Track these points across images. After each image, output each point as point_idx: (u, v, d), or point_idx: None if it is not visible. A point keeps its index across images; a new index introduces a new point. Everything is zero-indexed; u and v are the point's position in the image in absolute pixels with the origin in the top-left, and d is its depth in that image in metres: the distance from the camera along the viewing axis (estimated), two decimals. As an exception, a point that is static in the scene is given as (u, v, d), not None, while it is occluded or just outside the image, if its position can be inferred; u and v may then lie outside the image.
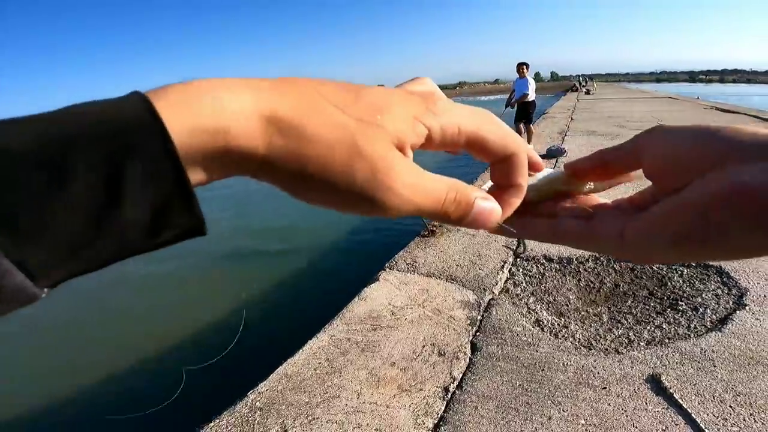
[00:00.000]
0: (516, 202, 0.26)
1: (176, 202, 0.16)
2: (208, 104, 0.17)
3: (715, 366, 1.76)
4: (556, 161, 5.78)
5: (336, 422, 1.63)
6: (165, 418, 2.47)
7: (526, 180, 0.26)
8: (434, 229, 3.68)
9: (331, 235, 5.86)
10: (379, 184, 0.20)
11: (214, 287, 4.49)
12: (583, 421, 1.54)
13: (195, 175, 0.17)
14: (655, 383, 1.65)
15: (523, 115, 6.44)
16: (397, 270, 3.08)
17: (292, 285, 4.37)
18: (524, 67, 6.32)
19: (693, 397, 1.58)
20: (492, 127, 0.24)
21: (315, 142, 0.19)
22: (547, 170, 0.30)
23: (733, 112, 11.17)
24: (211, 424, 1.63)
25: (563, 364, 1.85)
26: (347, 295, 2.66)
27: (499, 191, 0.26)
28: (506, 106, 6.87)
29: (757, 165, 0.19)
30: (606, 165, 0.27)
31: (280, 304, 4.03)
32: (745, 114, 10.57)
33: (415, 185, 0.21)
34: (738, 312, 2.13)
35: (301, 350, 2.10)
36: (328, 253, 5.33)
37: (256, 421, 1.64)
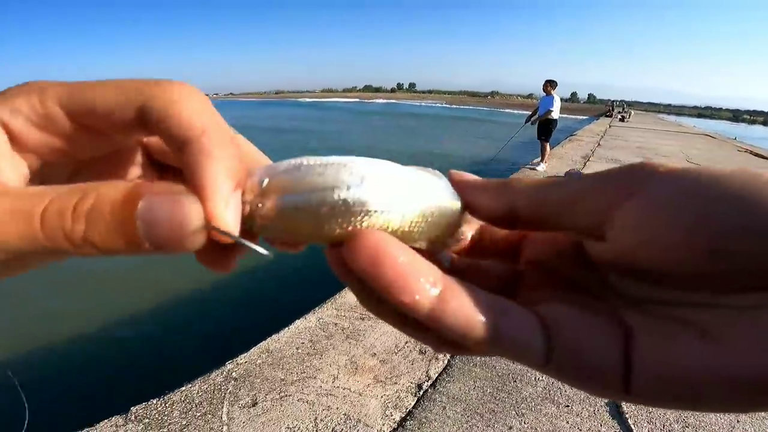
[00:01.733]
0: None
1: None
2: None
3: None
4: None
5: (307, 402, 1.71)
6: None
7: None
8: None
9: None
10: None
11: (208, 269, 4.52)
12: (540, 435, 1.60)
13: None
14: (615, 407, 1.70)
15: (546, 131, 6.42)
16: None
17: (288, 268, 4.43)
18: (550, 84, 6.30)
19: (645, 425, 1.62)
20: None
21: None
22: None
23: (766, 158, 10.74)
24: (183, 388, 1.69)
25: (535, 378, 1.90)
26: (341, 283, 2.73)
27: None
28: (526, 122, 6.92)
29: None
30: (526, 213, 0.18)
31: (274, 286, 4.11)
32: (782, 163, 10.13)
33: None
34: None
35: (287, 328, 2.19)
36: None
37: (228, 390, 1.71)
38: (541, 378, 1.91)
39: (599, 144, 10.70)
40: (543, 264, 0.20)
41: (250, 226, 0.16)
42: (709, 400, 0.13)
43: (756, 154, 11.17)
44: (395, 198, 0.16)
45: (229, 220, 0.14)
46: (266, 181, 0.15)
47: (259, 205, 0.15)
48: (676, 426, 1.62)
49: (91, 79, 0.17)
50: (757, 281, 0.13)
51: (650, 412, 1.68)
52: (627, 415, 1.66)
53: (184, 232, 0.13)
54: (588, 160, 8.00)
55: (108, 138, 0.17)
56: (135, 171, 0.21)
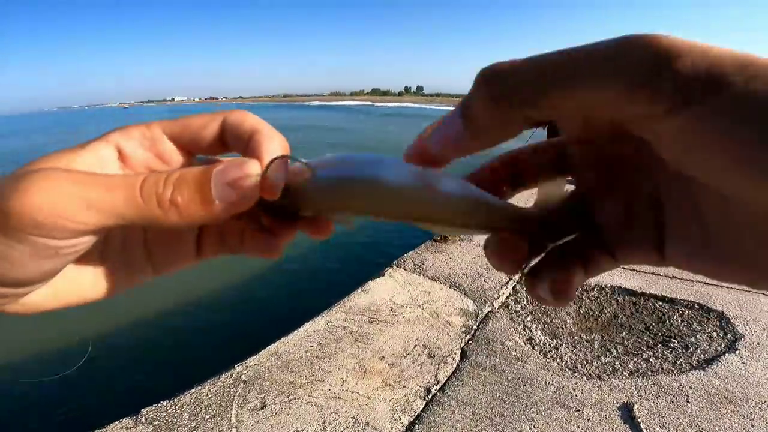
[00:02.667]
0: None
1: None
2: None
3: (688, 401, 1.76)
4: None
5: (315, 405, 1.71)
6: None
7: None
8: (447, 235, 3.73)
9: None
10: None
11: (220, 272, 4.53)
12: (551, 440, 1.58)
13: None
14: (627, 411, 1.66)
15: (555, 134, 6.45)
16: (404, 269, 3.14)
17: (298, 273, 4.45)
18: None
19: (658, 429, 1.58)
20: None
21: None
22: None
23: None
24: (192, 390, 1.70)
25: (545, 382, 1.88)
26: (351, 287, 2.74)
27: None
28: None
29: None
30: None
31: (283, 289, 4.14)
32: None
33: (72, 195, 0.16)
34: (727, 354, 2.11)
35: (296, 331, 2.19)
36: (341, 245, 5.40)
37: (237, 393, 1.72)
38: (551, 382, 1.88)
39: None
40: (584, 139, 0.20)
41: (293, 195, 0.20)
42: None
43: None
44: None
45: (278, 174, 0.19)
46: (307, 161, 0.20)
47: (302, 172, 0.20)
48: (689, 430, 1.59)
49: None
50: None
51: (662, 417, 1.65)
52: (639, 420, 1.63)
53: (246, 186, 0.18)
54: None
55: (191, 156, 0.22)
56: None
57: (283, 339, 2.12)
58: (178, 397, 1.62)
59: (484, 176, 0.22)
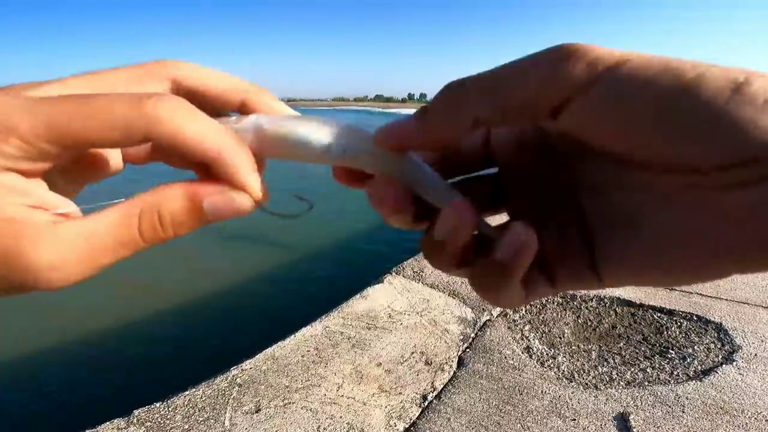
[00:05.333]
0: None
1: None
2: None
3: (683, 412, 1.75)
4: None
5: (310, 410, 1.70)
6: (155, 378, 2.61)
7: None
8: None
9: (345, 233, 5.97)
10: (11, 274, 0.15)
11: (217, 274, 4.55)
12: (547, 449, 1.57)
13: None
14: (623, 421, 1.65)
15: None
16: (403, 276, 3.13)
17: (298, 277, 4.45)
18: None
19: None
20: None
21: None
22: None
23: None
24: (186, 392, 1.68)
25: (542, 391, 1.87)
26: (350, 293, 2.74)
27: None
28: None
29: None
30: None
31: (281, 293, 4.13)
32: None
33: (72, 247, 0.16)
34: (724, 366, 2.10)
35: (293, 335, 2.19)
36: (341, 250, 5.40)
37: (232, 396, 1.71)
38: (547, 391, 1.87)
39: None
40: (515, 165, 0.22)
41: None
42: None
43: None
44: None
45: (259, 193, 0.19)
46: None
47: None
48: None
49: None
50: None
51: (658, 427, 1.63)
52: (635, 430, 1.61)
53: (239, 213, 0.19)
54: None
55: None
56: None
57: (280, 343, 2.11)
58: (171, 399, 1.61)
59: None
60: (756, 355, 2.25)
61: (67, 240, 0.16)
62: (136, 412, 1.50)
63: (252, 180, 0.19)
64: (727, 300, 2.99)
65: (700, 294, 3.05)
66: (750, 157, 0.13)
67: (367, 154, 0.21)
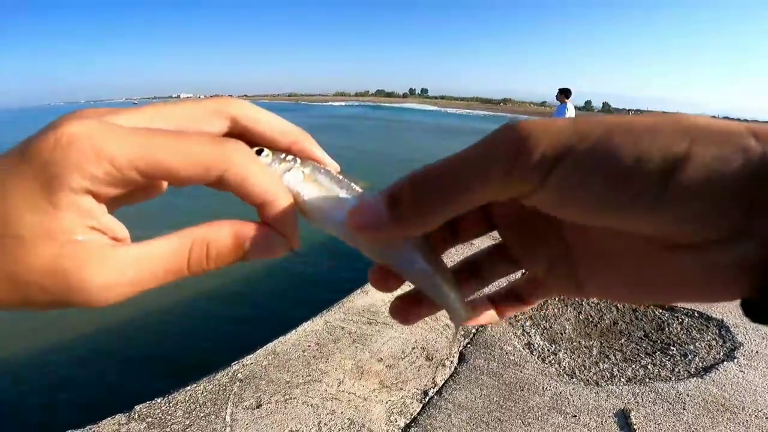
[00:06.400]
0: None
1: None
2: None
3: (684, 408, 1.75)
4: None
5: (311, 405, 1.70)
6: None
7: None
8: None
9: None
10: (66, 292, 0.17)
11: (223, 270, 4.59)
12: (547, 446, 1.57)
13: None
14: (624, 418, 1.66)
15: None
16: (404, 271, 3.13)
17: (299, 273, 4.46)
18: (564, 93, 6.44)
19: None
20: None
21: None
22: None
23: None
24: (188, 388, 1.68)
25: (543, 387, 1.87)
26: (350, 288, 2.74)
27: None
28: None
29: None
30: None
31: (282, 288, 4.14)
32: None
33: (125, 271, 0.17)
34: (725, 363, 2.10)
35: (294, 330, 2.19)
36: (341, 245, 5.44)
37: (233, 392, 1.71)
38: (548, 388, 1.87)
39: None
40: (513, 223, 0.24)
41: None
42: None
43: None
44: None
45: (298, 242, 0.21)
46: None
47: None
48: None
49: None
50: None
51: (659, 424, 1.64)
52: (635, 426, 1.62)
53: (274, 256, 0.21)
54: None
55: None
56: None
57: (280, 338, 2.11)
58: (172, 395, 1.61)
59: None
60: (757, 352, 2.25)
61: (123, 264, 0.17)
62: (137, 407, 1.50)
63: (295, 230, 0.21)
64: (728, 297, 2.99)
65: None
66: (687, 234, 0.15)
67: (362, 247, 0.22)
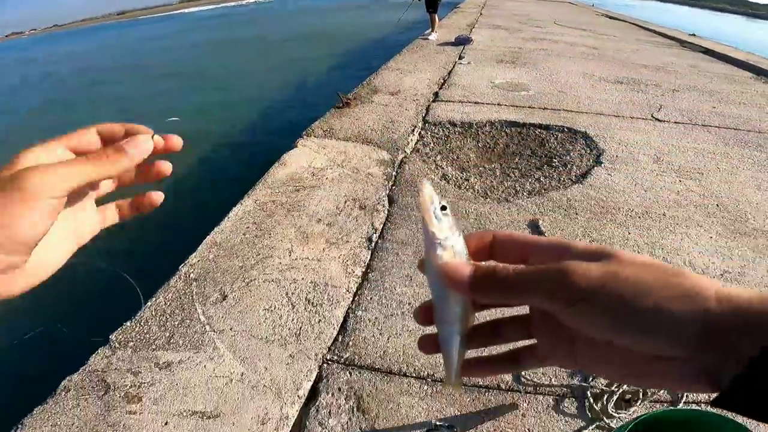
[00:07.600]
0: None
1: None
2: None
3: (577, 214, 2.26)
4: (463, 49, 6.23)
5: (273, 281, 1.74)
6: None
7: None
8: (348, 101, 3.64)
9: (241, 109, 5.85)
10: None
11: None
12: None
13: None
14: (535, 227, 2.09)
15: (433, 4, 6.93)
16: (315, 137, 3.04)
17: (210, 158, 4.13)
18: None
19: None
20: None
21: None
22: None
23: (618, 20, 12.37)
24: (148, 304, 1.60)
25: (466, 211, 2.19)
26: (266, 165, 2.61)
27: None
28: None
29: None
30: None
31: (201, 177, 3.84)
32: (630, 22, 11.77)
33: None
34: (596, 168, 2.66)
35: (227, 218, 2.09)
36: (243, 127, 5.11)
37: (194, 292, 1.67)
38: (471, 210, 2.19)
39: (481, 13, 11.15)
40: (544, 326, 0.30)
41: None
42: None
43: (609, 17, 13.00)
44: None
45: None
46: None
47: None
48: (584, 240, 2.07)
49: None
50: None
51: (562, 229, 2.08)
52: (546, 233, 2.04)
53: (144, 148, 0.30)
54: (473, 27, 8.49)
55: None
56: None
57: (216, 228, 2.01)
58: (138, 314, 1.52)
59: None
60: (617, 156, 2.85)
61: None
62: (112, 336, 1.41)
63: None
64: (587, 113, 3.59)
65: (566, 110, 3.60)
66: (665, 351, 0.23)
67: (434, 280, 0.28)
